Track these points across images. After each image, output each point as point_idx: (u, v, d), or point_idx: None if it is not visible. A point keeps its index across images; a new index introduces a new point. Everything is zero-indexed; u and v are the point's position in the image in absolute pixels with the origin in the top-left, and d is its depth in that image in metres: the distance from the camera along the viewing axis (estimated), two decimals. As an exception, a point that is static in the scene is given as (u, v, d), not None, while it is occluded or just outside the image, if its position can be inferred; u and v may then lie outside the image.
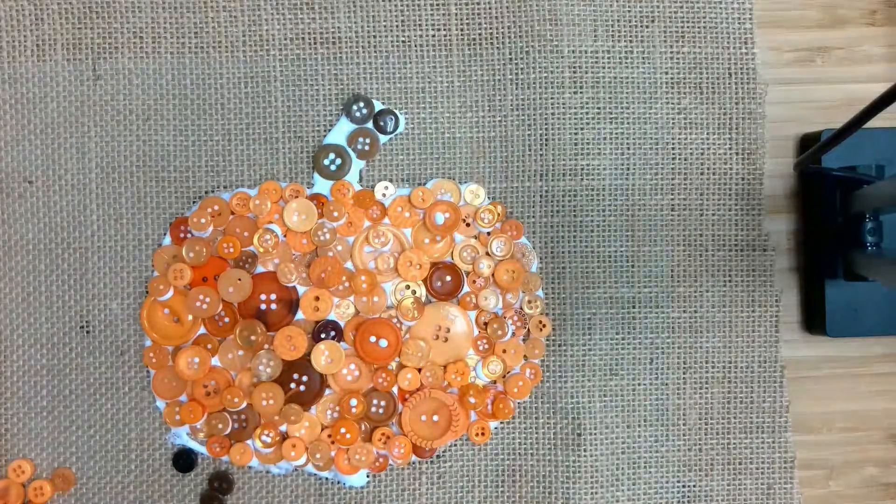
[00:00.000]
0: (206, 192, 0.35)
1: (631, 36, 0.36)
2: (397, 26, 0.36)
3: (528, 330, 0.35)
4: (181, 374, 0.34)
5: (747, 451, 0.36)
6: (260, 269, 0.35)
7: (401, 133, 0.36)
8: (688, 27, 0.36)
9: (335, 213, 0.35)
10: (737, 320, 0.36)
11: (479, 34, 0.36)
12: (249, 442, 0.35)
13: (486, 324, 0.35)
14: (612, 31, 0.36)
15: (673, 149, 0.36)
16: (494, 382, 0.35)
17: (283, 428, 0.35)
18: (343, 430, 0.34)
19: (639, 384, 0.36)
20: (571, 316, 0.36)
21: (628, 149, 0.36)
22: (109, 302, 0.35)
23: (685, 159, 0.36)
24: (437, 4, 0.36)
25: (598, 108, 0.36)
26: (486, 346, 0.35)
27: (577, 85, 0.36)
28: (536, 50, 0.36)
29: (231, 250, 0.34)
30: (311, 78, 0.36)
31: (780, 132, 0.37)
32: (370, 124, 0.35)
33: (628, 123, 0.36)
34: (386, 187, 0.35)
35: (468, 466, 0.36)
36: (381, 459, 0.35)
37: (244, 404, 0.35)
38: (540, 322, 0.35)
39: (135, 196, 0.35)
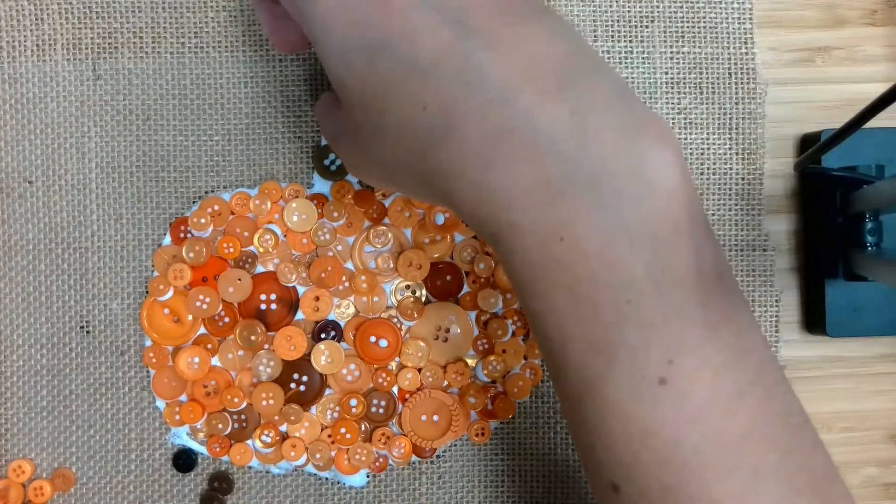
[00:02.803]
0: (206, 192, 0.35)
1: (631, 36, 0.36)
2: (397, 26, 0.36)
3: (528, 330, 0.35)
4: (181, 374, 0.34)
5: (747, 451, 0.36)
6: (260, 269, 0.35)
7: (401, 133, 0.36)
8: (688, 27, 0.36)
9: (335, 213, 0.35)
10: (737, 320, 0.36)
11: (479, 34, 0.36)
12: (249, 442, 0.35)
13: (485, 324, 0.35)
14: (612, 31, 0.36)
15: (673, 149, 0.36)
16: (494, 382, 0.35)
17: (283, 428, 0.35)
18: (343, 430, 0.34)
19: (639, 384, 0.36)
20: (571, 316, 0.36)
21: (628, 149, 0.36)
22: (109, 302, 0.35)
23: (685, 159, 0.36)
24: (437, 4, 0.36)
25: (598, 108, 0.36)
26: (486, 346, 0.35)
27: (577, 85, 0.36)
28: (536, 50, 0.35)
29: (231, 250, 0.34)
30: (312, 78, 0.36)
31: (780, 132, 0.37)
32: (370, 124, 0.35)
33: (628, 123, 0.36)
34: (386, 187, 0.35)
35: (468, 466, 0.36)
36: (381, 459, 0.35)
37: (244, 404, 0.35)
38: (540, 322, 0.35)
39: (135, 196, 0.35)
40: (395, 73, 0.22)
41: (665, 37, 0.36)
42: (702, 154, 0.36)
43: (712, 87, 0.36)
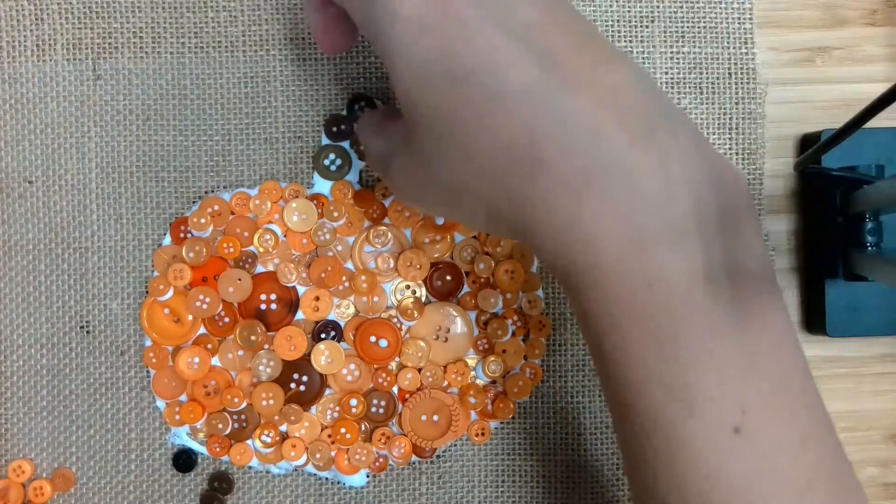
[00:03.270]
0: (206, 192, 0.35)
1: (631, 36, 0.36)
2: (397, 26, 0.36)
3: (528, 330, 0.35)
4: (181, 374, 0.34)
5: (747, 451, 0.36)
6: (260, 269, 0.35)
7: (401, 133, 0.36)
8: (688, 27, 0.36)
9: (335, 213, 0.35)
10: (737, 320, 0.36)
11: (479, 34, 0.36)
12: (249, 442, 0.35)
13: (486, 324, 0.35)
14: (612, 31, 0.36)
15: (673, 149, 0.36)
16: (494, 382, 0.35)
17: (283, 428, 0.35)
18: (343, 430, 0.34)
19: (639, 384, 0.36)
20: (571, 316, 0.36)
21: (628, 149, 0.36)
22: (109, 302, 0.35)
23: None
24: (437, 4, 0.35)
25: (598, 108, 0.36)
26: (486, 346, 0.35)
27: (577, 85, 0.36)
28: (536, 50, 0.35)
29: (231, 250, 0.34)
30: (311, 78, 0.36)
31: (780, 132, 0.37)
32: (370, 124, 0.35)
33: (628, 123, 0.36)
34: (386, 187, 0.35)
35: (468, 466, 0.36)
36: (381, 459, 0.35)
37: (244, 404, 0.35)
38: (540, 322, 0.35)
39: (135, 196, 0.35)
40: (480, 103, 0.22)
41: (665, 37, 0.36)
42: (702, 154, 0.36)
43: (712, 87, 0.36)
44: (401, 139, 0.26)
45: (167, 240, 0.35)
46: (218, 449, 0.35)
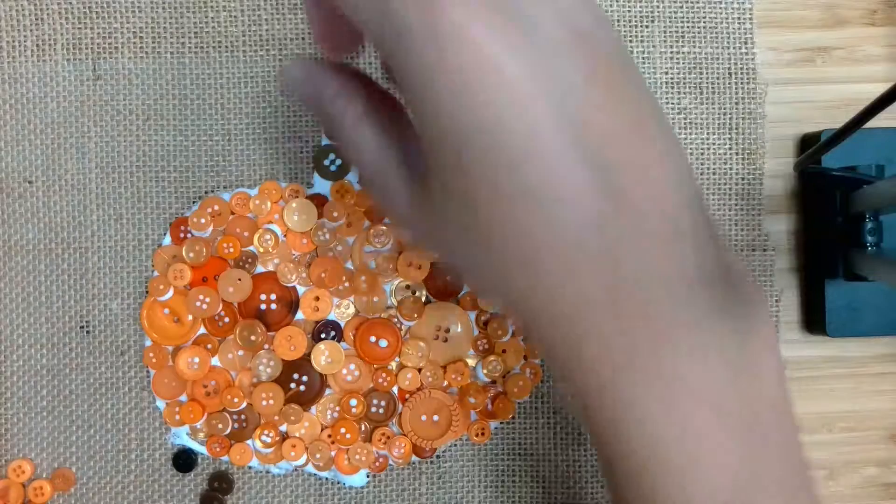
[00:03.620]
0: (206, 192, 0.35)
1: (631, 36, 0.36)
2: (397, 26, 0.35)
3: (528, 330, 0.35)
4: (181, 374, 0.34)
5: (747, 451, 0.36)
6: (260, 269, 0.35)
7: (401, 133, 0.36)
8: (688, 27, 0.36)
9: (335, 213, 0.35)
10: (737, 320, 0.36)
11: (479, 34, 0.36)
12: (249, 442, 0.35)
13: (486, 324, 0.35)
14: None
15: (673, 149, 0.36)
16: (494, 382, 0.35)
17: (283, 428, 0.35)
18: (343, 430, 0.34)
19: (639, 384, 0.36)
20: (571, 316, 0.36)
21: (628, 149, 0.36)
22: (109, 302, 0.35)
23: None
24: (437, 4, 0.35)
25: (598, 108, 0.36)
26: (486, 346, 0.35)
27: (577, 85, 0.36)
28: (536, 50, 0.35)
29: (231, 250, 0.34)
30: (311, 78, 0.35)
31: (780, 132, 0.37)
32: (370, 124, 0.35)
33: (628, 123, 0.36)
34: (386, 187, 0.35)
35: (468, 466, 0.36)
36: (381, 459, 0.35)
37: (244, 404, 0.35)
38: (540, 322, 0.35)
39: (135, 196, 0.35)
40: (517, 201, 0.19)
41: (665, 37, 0.36)
42: (702, 154, 0.36)
43: (712, 87, 0.36)
44: (422, 195, 0.24)
45: (167, 240, 0.35)
46: (218, 449, 0.35)
